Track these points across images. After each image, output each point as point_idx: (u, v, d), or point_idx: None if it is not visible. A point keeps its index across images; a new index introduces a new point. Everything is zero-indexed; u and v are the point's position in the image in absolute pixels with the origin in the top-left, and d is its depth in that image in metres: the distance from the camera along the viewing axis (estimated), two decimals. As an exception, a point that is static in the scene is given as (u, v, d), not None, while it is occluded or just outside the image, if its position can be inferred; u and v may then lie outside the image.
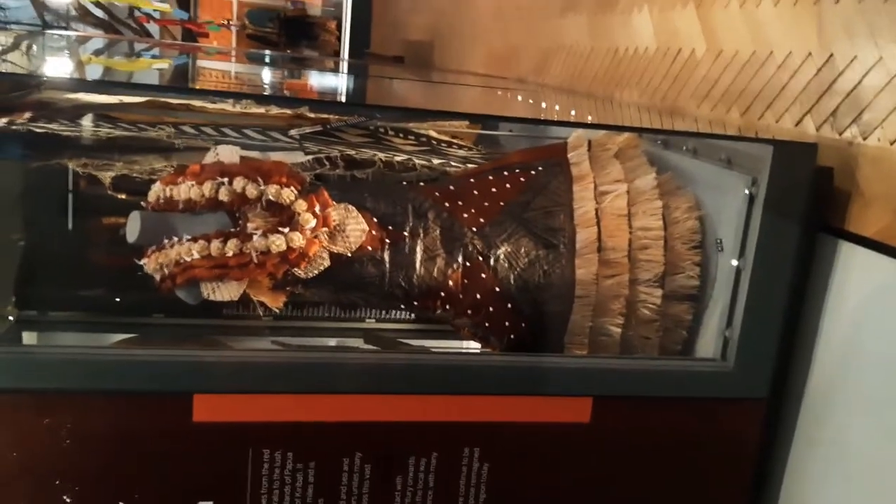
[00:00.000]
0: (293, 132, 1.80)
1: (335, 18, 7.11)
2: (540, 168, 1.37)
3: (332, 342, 1.90)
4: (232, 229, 1.21)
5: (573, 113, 1.94)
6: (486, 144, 2.16)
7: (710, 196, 1.35)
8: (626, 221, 1.33)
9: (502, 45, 2.97)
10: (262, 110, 1.90)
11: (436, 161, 1.87)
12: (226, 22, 6.43)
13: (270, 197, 1.19)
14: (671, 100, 1.74)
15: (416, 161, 1.82)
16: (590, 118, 1.86)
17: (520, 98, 2.31)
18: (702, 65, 1.64)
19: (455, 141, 2.07)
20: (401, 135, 2.03)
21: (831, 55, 1.27)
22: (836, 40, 1.26)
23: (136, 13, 4.37)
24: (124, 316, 1.80)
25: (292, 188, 1.19)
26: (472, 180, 1.34)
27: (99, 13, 4.18)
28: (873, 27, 1.19)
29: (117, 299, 1.80)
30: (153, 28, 4.44)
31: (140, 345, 1.62)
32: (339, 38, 7.00)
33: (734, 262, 1.26)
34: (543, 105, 2.17)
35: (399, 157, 1.81)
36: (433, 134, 2.05)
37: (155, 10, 4.40)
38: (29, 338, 1.68)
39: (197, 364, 1.11)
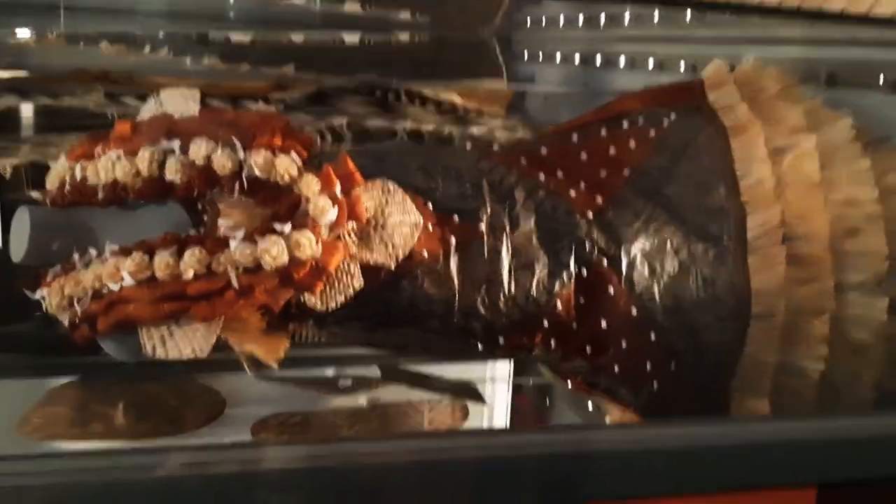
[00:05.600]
0: (276, 95, 1.30)
1: None
2: (673, 117, 0.88)
3: (329, 372, 1.39)
4: (191, 231, 0.70)
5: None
6: (522, 113, 1.68)
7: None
8: (823, 193, 0.85)
9: None
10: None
11: (475, 131, 1.38)
12: None
13: (256, 172, 0.68)
14: None
15: (450, 129, 1.33)
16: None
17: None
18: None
19: (485, 108, 1.59)
20: (417, 102, 1.54)
21: None
22: None
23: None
24: (64, 354, 1.30)
25: (294, 154, 0.69)
26: (574, 137, 0.85)
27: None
28: None
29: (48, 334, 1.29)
30: None
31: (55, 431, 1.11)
32: None
33: None
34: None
35: (427, 127, 1.32)
36: (457, 100, 1.57)
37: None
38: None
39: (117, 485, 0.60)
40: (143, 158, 0.68)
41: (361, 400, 1.27)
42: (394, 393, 1.26)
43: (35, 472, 0.61)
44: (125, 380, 1.18)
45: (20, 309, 0.83)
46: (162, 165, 0.68)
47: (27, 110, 1.26)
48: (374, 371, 1.26)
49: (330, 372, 1.36)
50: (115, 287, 0.66)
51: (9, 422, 1.11)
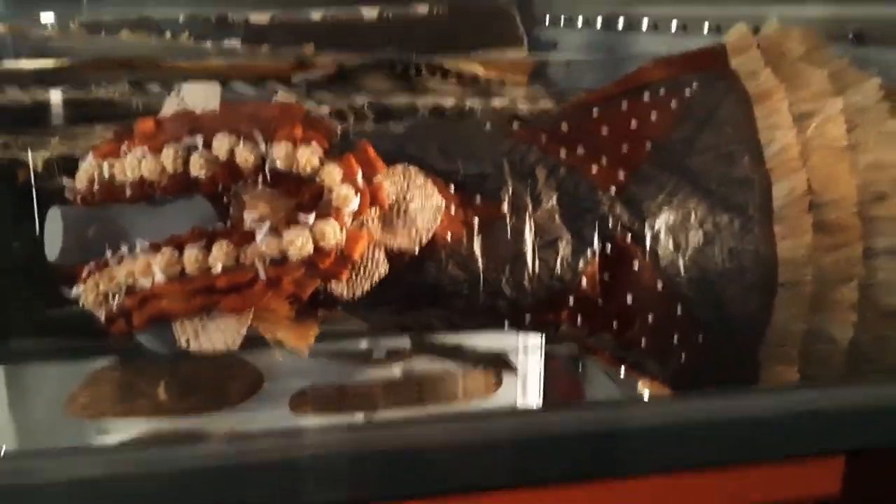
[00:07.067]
0: (298, 78, 1.30)
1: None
2: (695, 85, 0.87)
3: (363, 345, 1.41)
4: (218, 225, 0.71)
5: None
6: (544, 80, 1.66)
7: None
8: (850, 158, 0.83)
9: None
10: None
11: (497, 103, 1.38)
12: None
13: (279, 164, 0.69)
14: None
15: (472, 104, 1.33)
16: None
17: None
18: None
19: (507, 78, 1.57)
20: (438, 74, 1.54)
21: None
22: None
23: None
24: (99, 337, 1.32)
25: (314, 145, 0.69)
26: (594, 111, 0.84)
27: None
28: None
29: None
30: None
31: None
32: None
33: None
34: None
35: (448, 102, 1.32)
36: (479, 71, 1.55)
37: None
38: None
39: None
40: (168, 156, 0.69)
41: (396, 370, 1.29)
42: (427, 363, 1.27)
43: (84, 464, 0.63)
44: (165, 359, 1.20)
45: (59, 294, 0.85)
46: (186, 162, 0.70)
47: (55, 102, 1.27)
48: (406, 342, 1.27)
49: (363, 344, 1.38)
50: (147, 283, 0.68)
51: (54, 404, 1.14)
